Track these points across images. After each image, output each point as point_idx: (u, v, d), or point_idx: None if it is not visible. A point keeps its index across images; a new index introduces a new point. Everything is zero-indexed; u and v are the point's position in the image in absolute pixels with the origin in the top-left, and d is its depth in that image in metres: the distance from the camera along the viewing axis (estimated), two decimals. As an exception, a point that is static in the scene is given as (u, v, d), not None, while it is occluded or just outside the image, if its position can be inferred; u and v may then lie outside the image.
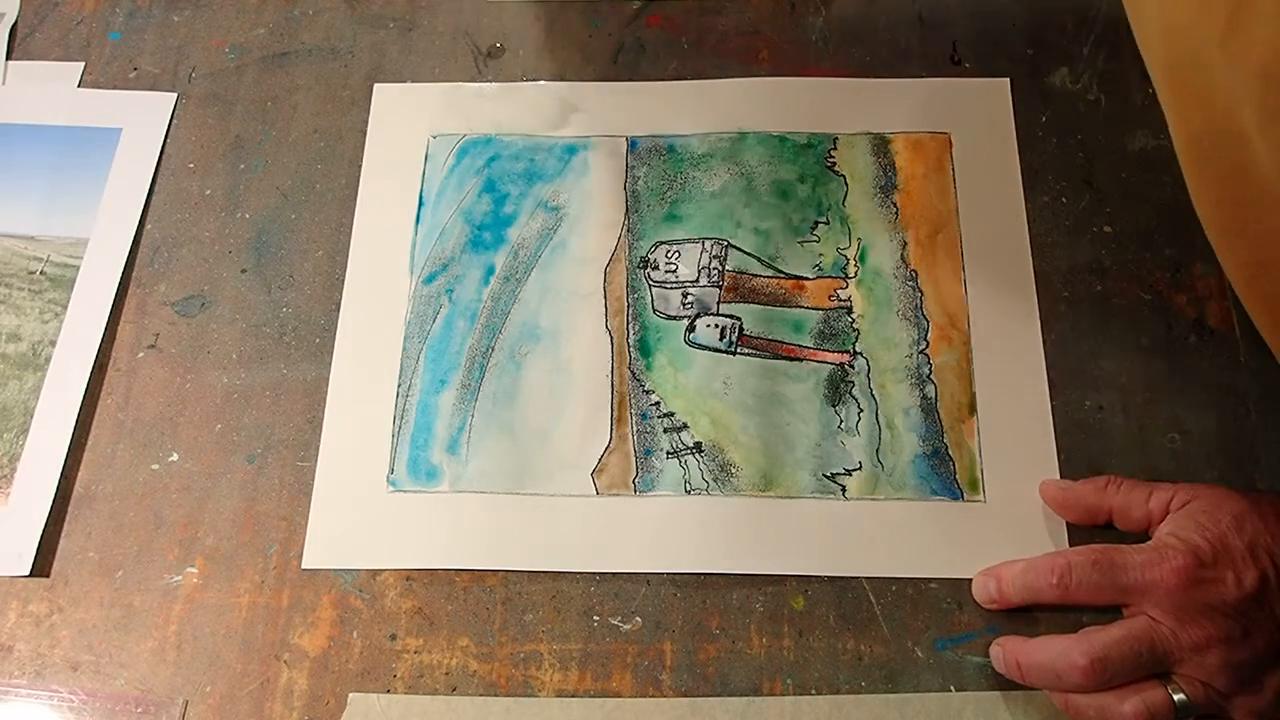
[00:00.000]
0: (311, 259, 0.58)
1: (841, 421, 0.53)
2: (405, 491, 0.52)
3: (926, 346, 0.54)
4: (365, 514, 0.52)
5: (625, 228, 0.58)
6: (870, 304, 0.55)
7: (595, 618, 0.50)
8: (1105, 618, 0.46)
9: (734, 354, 0.54)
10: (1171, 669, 0.44)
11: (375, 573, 0.51)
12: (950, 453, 0.52)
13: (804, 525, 0.51)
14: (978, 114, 0.60)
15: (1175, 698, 0.43)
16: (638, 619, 0.50)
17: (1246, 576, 0.44)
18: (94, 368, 0.55)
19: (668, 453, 0.52)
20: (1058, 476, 0.51)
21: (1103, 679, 0.44)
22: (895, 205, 0.58)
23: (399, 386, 0.55)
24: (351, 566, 0.51)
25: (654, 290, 0.56)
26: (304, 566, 0.51)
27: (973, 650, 0.49)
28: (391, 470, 0.53)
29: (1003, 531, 0.50)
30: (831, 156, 0.59)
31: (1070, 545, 0.50)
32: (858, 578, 0.50)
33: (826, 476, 0.52)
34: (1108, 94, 0.60)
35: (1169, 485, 0.48)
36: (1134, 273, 0.56)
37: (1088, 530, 0.50)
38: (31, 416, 0.54)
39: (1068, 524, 0.50)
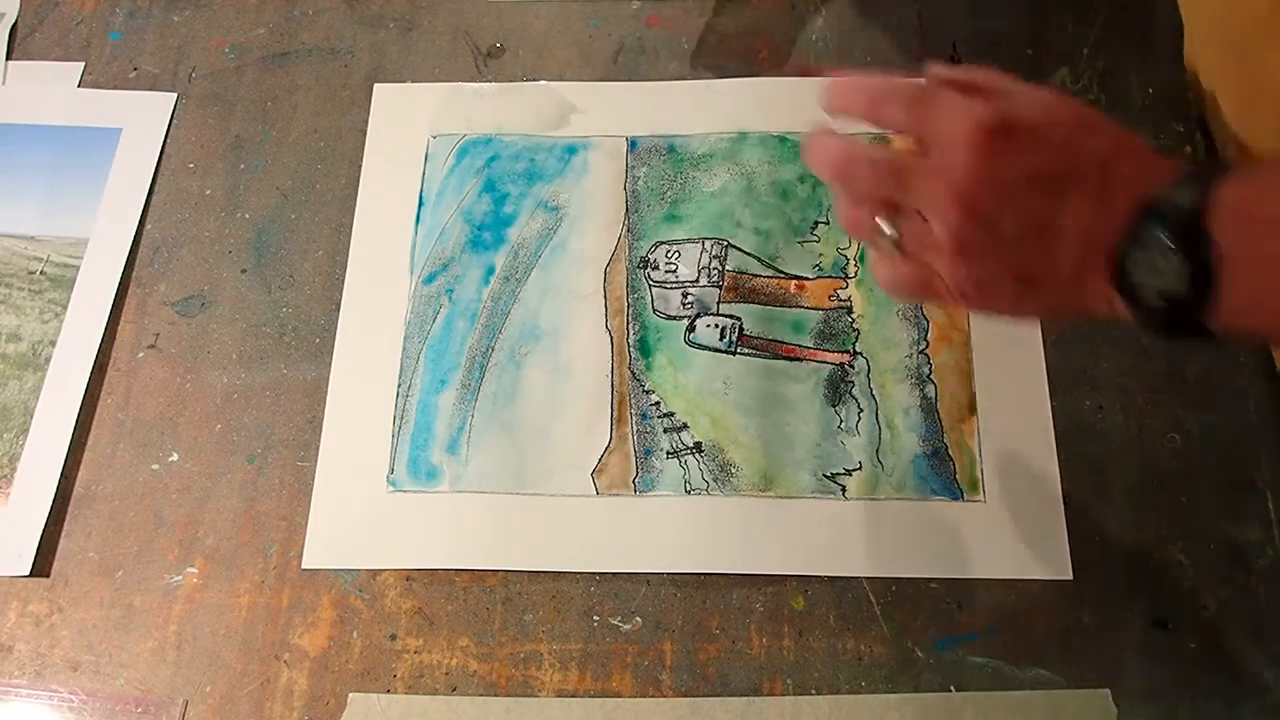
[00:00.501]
0: (311, 259, 0.58)
1: (841, 421, 0.53)
2: (405, 491, 0.52)
3: (926, 346, 0.54)
4: (365, 514, 0.52)
5: (625, 228, 0.58)
6: (870, 304, 0.55)
7: (595, 618, 0.50)
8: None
9: (734, 354, 0.54)
10: (899, 207, 0.40)
11: (375, 573, 0.51)
12: (950, 453, 0.52)
13: (804, 525, 0.51)
14: (978, 114, 0.60)
15: (888, 232, 0.40)
16: (638, 619, 0.50)
17: (1046, 156, 0.38)
18: (94, 368, 0.55)
19: (668, 453, 0.52)
20: (1058, 476, 0.51)
21: (843, 177, 0.41)
22: (895, 205, 0.57)
23: (399, 386, 0.55)
24: (351, 566, 0.51)
25: (654, 290, 0.56)
26: (304, 566, 0.51)
27: (973, 650, 0.49)
28: (391, 470, 0.53)
29: (1002, 531, 0.50)
30: (831, 156, 0.59)
31: (1067, 525, 0.50)
32: (858, 578, 0.50)
33: (826, 476, 0.52)
34: (1108, 94, 0.60)
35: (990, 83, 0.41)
36: (1134, 273, 0.56)
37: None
38: (31, 416, 0.54)
39: (1066, 507, 0.50)
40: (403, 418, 0.54)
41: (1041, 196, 0.38)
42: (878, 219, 0.40)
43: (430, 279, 0.57)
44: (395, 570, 0.51)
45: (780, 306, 0.55)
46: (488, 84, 0.62)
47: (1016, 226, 0.38)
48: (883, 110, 0.41)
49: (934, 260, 0.40)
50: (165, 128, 0.62)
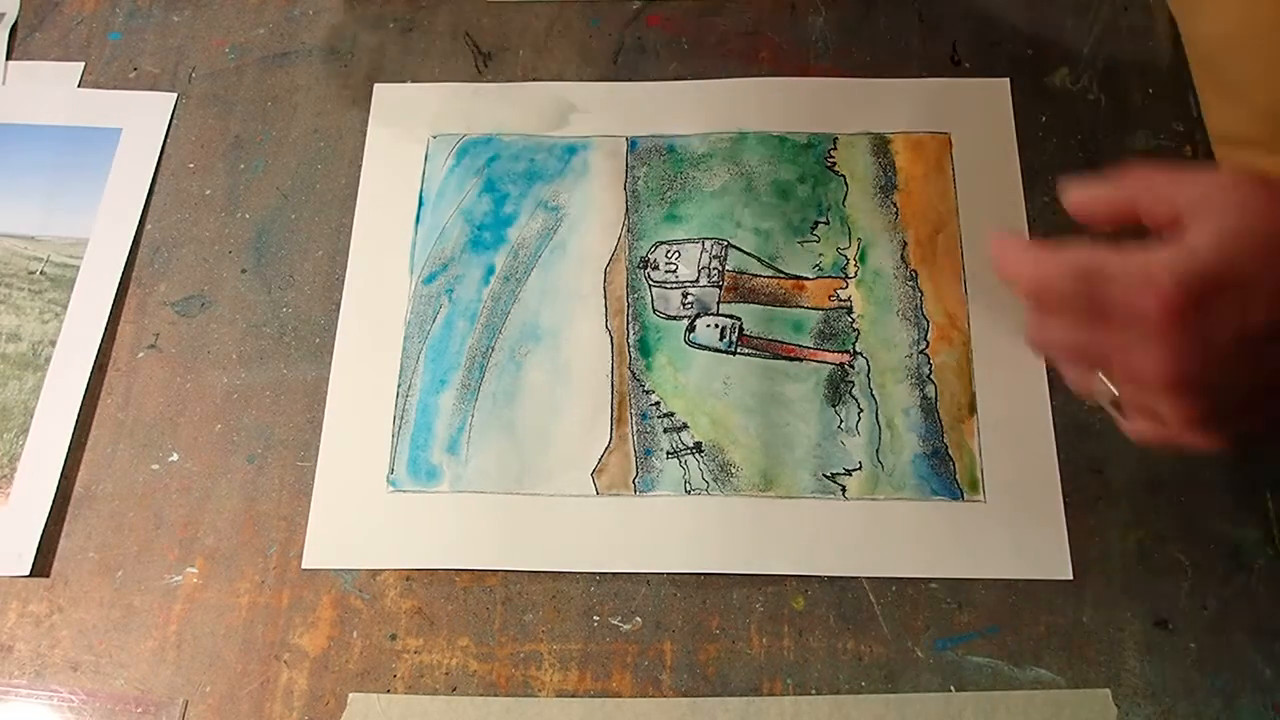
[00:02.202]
0: (311, 259, 0.58)
1: (841, 421, 0.53)
2: (405, 491, 0.52)
3: (926, 346, 0.54)
4: (365, 514, 0.52)
5: (625, 228, 0.58)
6: (870, 304, 0.55)
7: (595, 618, 0.50)
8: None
9: (734, 354, 0.54)
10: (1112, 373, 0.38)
11: (375, 573, 0.51)
12: (950, 453, 0.52)
13: (804, 525, 0.51)
14: (978, 114, 0.60)
15: (1103, 385, 0.38)
16: (638, 619, 0.50)
17: (1255, 312, 0.34)
18: (94, 368, 0.55)
19: (668, 453, 0.52)
20: (1057, 477, 0.51)
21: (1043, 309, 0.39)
22: (895, 205, 0.58)
23: (399, 386, 0.55)
24: (351, 566, 0.51)
25: (654, 290, 0.56)
26: (304, 566, 0.51)
27: (973, 650, 0.49)
28: (391, 470, 0.53)
29: (1002, 531, 0.50)
30: (831, 156, 0.59)
31: (1067, 525, 0.50)
32: (858, 578, 0.50)
33: (826, 476, 0.52)
34: (1108, 94, 0.60)
35: (1199, 183, 0.37)
36: (1134, 273, 0.56)
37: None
38: (31, 416, 0.54)
39: (1066, 507, 0.50)
40: (403, 418, 0.54)
41: (1269, 345, 0.34)
42: (1099, 376, 0.38)
43: (430, 279, 0.57)
44: (395, 570, 0.51)
45: (780, 306, 0.55)
46: (488, 84, 0.62)
47: (1249, 380, 0.35)
48: (1047, 294, 0.38)
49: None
50: (165, 128, 0.62)
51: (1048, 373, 0.53)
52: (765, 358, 0.54)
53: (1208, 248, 0.35)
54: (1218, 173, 0.38)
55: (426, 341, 0.56)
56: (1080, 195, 0.40)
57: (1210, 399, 0.36)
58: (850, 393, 0.53)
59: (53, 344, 0.56)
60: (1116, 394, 0.38)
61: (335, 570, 0.51)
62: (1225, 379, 0.35)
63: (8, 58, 0.64)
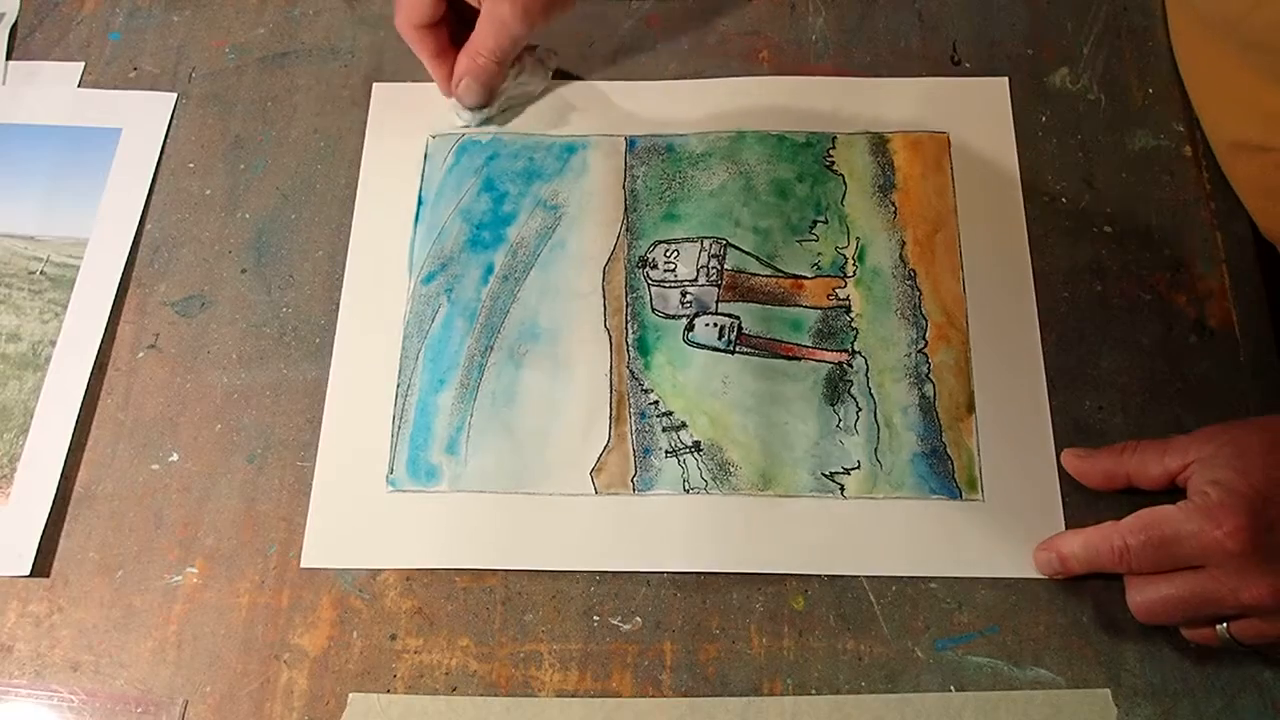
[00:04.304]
0: (311, 259, 0.58)
1: (840, 420, 0.53)
2: (405, 491, 0.52)
3: (925, 345, 0.54)
4: (365, 514, 0.52)
5: (624, 227, 0.58)
6: (869, 303, 0.55)
7: (595, 618, 0.50)
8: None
9: (733, 353, 0.54)
10: (1227, 619, 0.45)
11: (375, 573, 0.51)
12: (949, 451, 0.52)
13: (803, 524, 0.51)
14: (977, 114, 0.60)
15: (1221, 634, 0.46)
16: (638, 619, 0.50)
17: None
18: (94, 368, 0.55)
19: (666, 452, 0.52)
20: (1056, 476, 0.51)
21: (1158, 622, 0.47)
22: (894, 204, 0.58)
23: (398, 386, 0.55)
24: (351, 566, 0.51)
25: (653, 289, 0.56)
26: (304, 566, 0.51)
27: (973, 650, 0.49)
28: (391, 470, 0.53)
29: (1001, 530, 0.50)
30: (830, 156, 0.59)
31: (1067, 525, 0.51)
32: (858, 577, 0.50)
33: (825, 475, 0.52)
34: (1108, 94, 0.60)
35: (1183, 439, 0.47)
36: (1134, 273, 0.56)
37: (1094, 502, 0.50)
38: (31, 416, 0.54)
39: (1064, 506, 0.50)
40: (402, 417, 0.54)
41: None
42: (1218, 629, 0.45)
43: (429, 278, 0.57)
44: (395, 570, 0.51)
45: (779, 305, 0.55)
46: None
47: None
48: (1127, 558, 0.46)
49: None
50: (165, 128, 0.62)
51: (1047, 373, 0.53)
52: (764, 356, 0.54)
53: (1230, 479, 0.44)
54: (1195, 432, 0.47)
55: (425, 341, 0.56)
56: (1076, 464, 0.50)
57: None
58: (849, 391, 0.53)
59: (53, 344, 0.56)
60: (1229, 637, 0.45)
61: (335, 570, 0.51)
62: None
63: (8, 58, 0.64)
